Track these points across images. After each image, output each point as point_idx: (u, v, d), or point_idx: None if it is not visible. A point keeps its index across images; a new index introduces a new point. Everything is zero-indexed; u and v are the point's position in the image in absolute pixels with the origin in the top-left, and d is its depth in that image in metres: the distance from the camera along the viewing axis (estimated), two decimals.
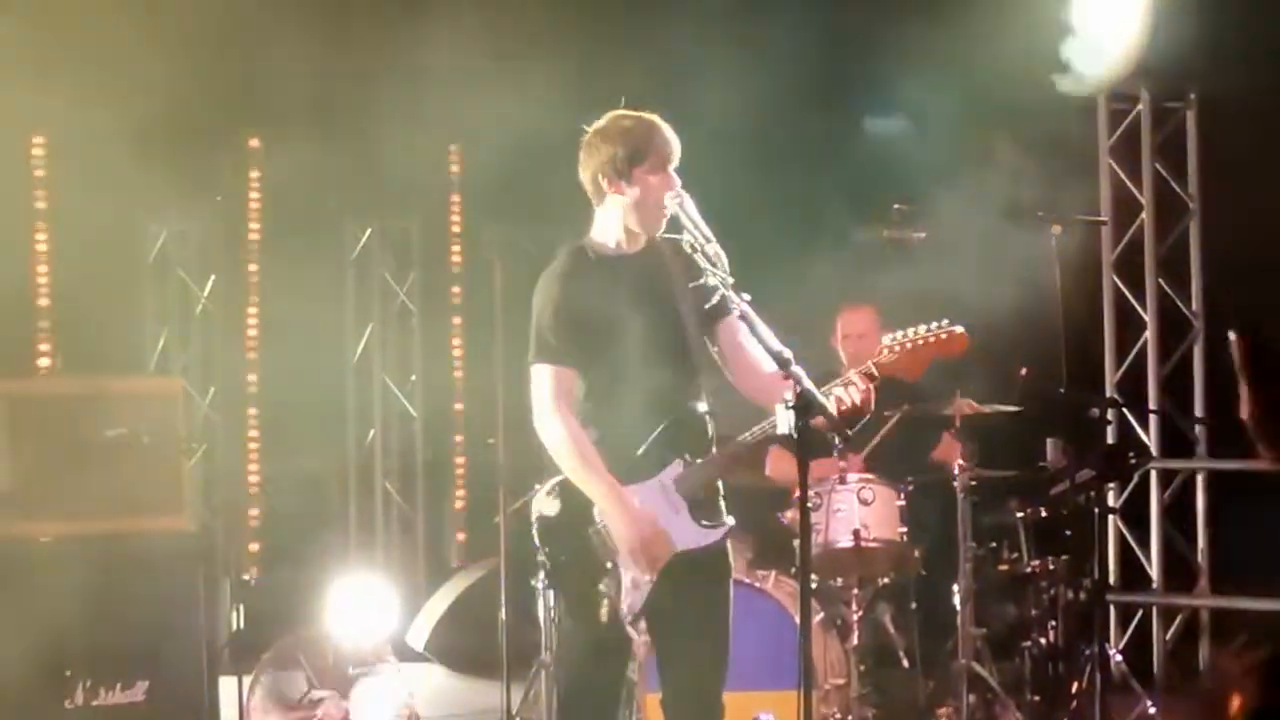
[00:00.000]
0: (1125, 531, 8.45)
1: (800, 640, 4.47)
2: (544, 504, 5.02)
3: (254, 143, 9.34)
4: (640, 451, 4.95)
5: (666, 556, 4.88)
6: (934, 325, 4.73)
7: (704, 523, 4.96)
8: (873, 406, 4.83)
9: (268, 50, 7.99)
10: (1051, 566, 7.07)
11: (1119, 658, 7.58)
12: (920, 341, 4.75)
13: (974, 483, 6.94)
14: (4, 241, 8.43)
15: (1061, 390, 6.85)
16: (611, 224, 5.05)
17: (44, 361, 8.55)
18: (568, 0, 8.50)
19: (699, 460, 4.94)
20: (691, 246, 4.81)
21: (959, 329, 4.71)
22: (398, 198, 9.61)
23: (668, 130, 4.99)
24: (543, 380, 4.99)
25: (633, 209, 4.97)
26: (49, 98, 7.94)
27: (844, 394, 4.80)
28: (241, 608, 7.19)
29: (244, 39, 8.15)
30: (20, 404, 6.23)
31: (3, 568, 6.01)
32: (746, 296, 4.70)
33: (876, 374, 4.79)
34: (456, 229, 10.12)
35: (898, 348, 4.77)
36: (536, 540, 5.03)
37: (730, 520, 5.01)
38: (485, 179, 9.43)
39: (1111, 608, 8.29)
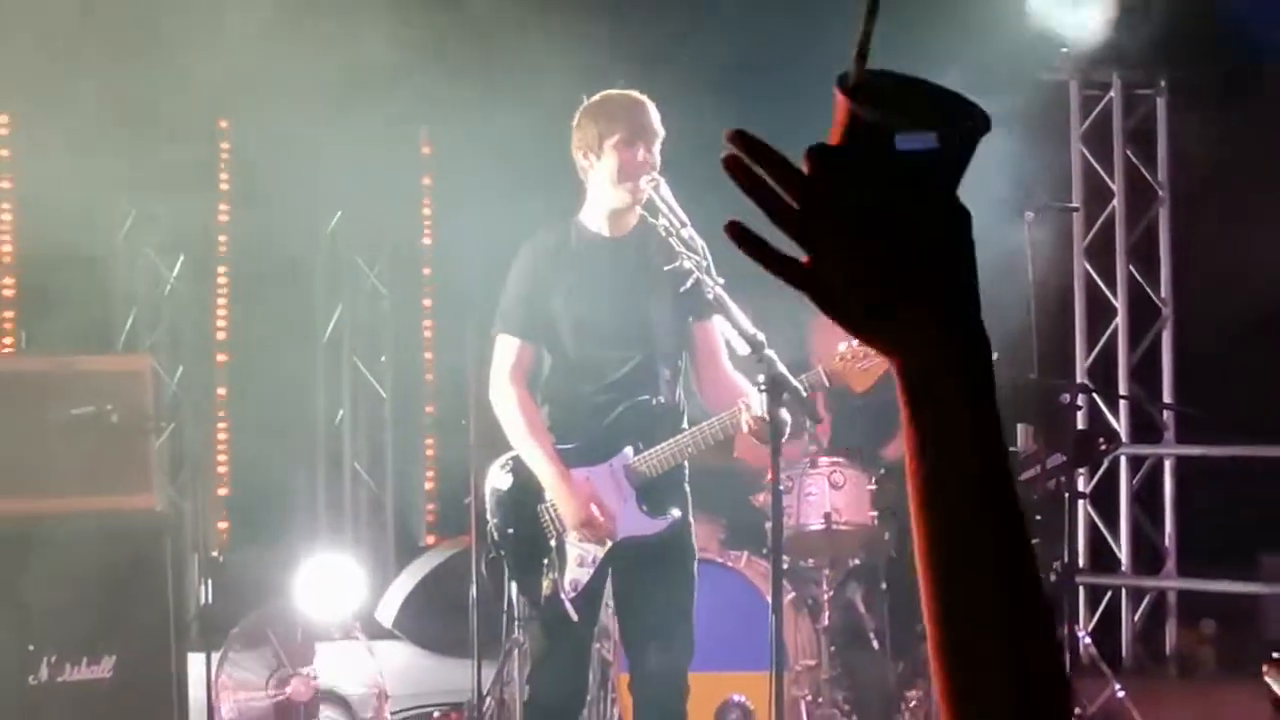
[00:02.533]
0: (1095, 516, 8.50)
1: (771, 621, 4.50)
2: (497, 477, 5.06)
3: (223, 123, 9.29)
4: (593, 434, 4.98)
5: (608, 535, 4.90)
6: None
7: (648, 511, 4.97)
8: (766, 439, 4.83)
9: (238, 31, 7.95)
10: None
11: (1088, 640, 7.62)
12: (872, 352, 4.76)
13: None
14: None
15: (1033, 376, 6.87)
16: (595, 205, 5.08)
17: (9, 340, 8.49)
18: None
19: (652, 449, 4.95)
20: (666, 230, 4.83)
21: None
22: (369, 179, 9.57)
23: (648, 108, 5.01)
24: (504, 352, 5.04)
25: (606, 183, 5.00)
26: (16, 74, 7.90)
27: (748, 416, 4.80)
28: (209, 582, 7.14)
29: (211, 22, 8.10)
30: None
31: None
32: (721, 280, 4.71)
33: (827, 382, 4.81)
34: (427, 210, 10.10)
35: (851, 356, 4.80)
36: (488, 513, 5.07)
37: (677, 513, 5.01)
38: (456, 159, 9.39)
39: (1080, 590, 8.34)
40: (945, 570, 1.38)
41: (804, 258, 1.38)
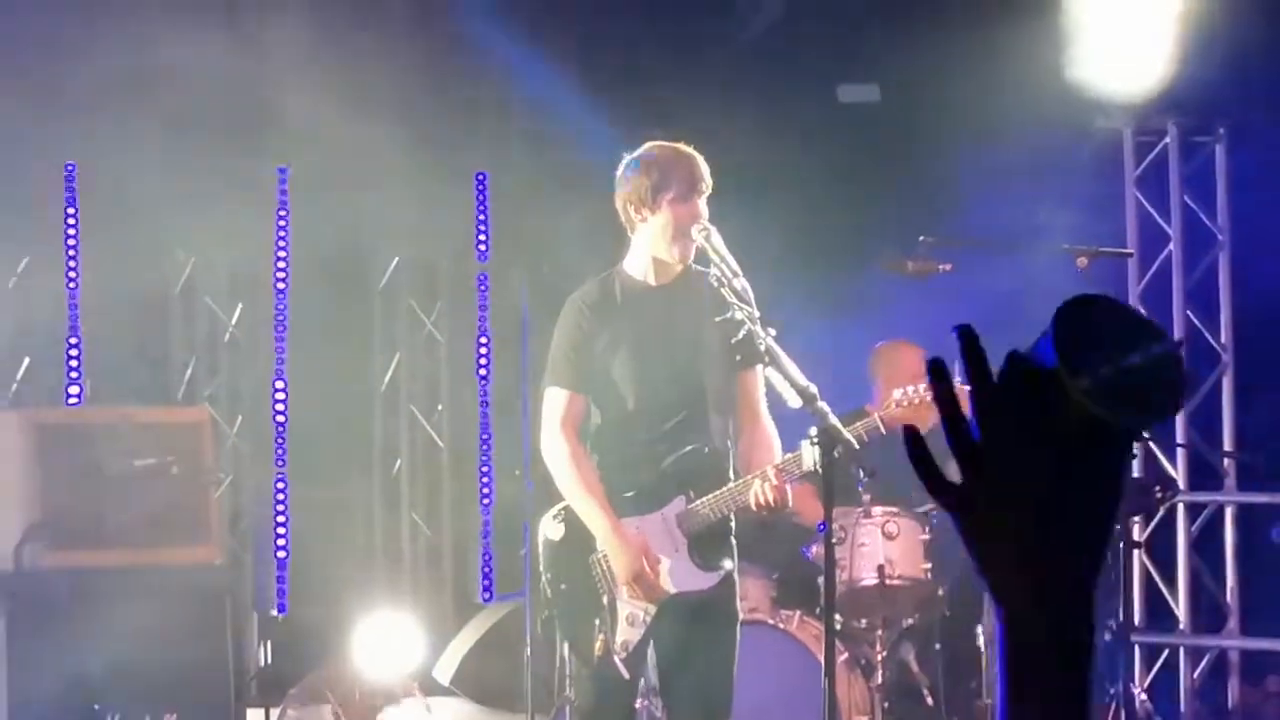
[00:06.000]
0: (1150, 567, 8.41)
1: (825, 680, 4.48)
2: (549, 528, 5.06)
3: (281, 172, 9.37)
4: (644, 484, 4.97)
5: (660, 587, 4.89)
6: None
7: (700, 564, 4.95)
8: (789, 504, 4.81)
9: (295, 79, 8.04)
10: None
11: (1144, 697, 7.52)
12: (929, 398, 4.72)
13: None
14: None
15: None
16: (641, 254, 5.07)
17: (73, 390, 8.56)
18: (600, 35, 8.49)
19: (704, 498, 4.94)
20: (718, 280, 4.83)
21: (967, 388, 4.68)
22: (424, 227, 9.62)
23: (698, 161, 5.02)
24: (553, 404, 5.05)
25: (659, 238, 5.00)
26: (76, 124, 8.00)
27: (760, 490, 4.79)
28: (269, 642, 7.17)
29: (272, 68, 8.19)
30: (50, 433, 6.25)
31: (34, 599, 6.00)
32: (773, 331, 4.71)
33: (883, 429, 4.78)
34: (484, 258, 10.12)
35: (905, 402, 4.78)
36: (541, 565, 5.06)
37: (728, 565, 5.00)
38: (511, 208, 9.44)
39: (1136, 647, 8.23)
40: None
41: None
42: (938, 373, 1.49)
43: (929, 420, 4.70)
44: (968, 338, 1.45)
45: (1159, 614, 8.43)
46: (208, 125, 8.20)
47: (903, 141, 8.49)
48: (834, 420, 4.49)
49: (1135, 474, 7.88)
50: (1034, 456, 1.44)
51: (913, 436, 1.47)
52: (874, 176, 8.50)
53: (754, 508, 4.82)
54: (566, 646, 5.33)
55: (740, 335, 4.79)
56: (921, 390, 4.75)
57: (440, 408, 10.14)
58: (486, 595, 9.82)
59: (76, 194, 8.57)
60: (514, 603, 8.93)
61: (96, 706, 6.04)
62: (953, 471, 1.47)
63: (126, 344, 8.70)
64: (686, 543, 4.95)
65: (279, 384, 9.33)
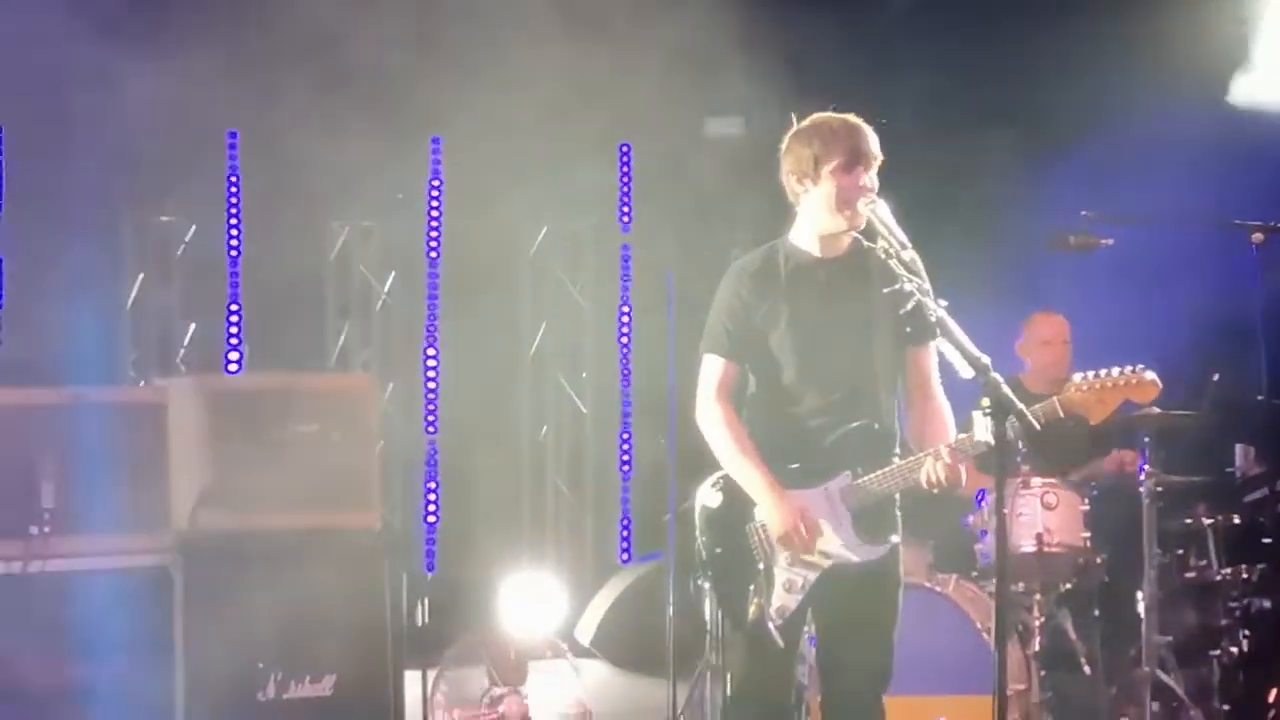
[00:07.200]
0: None
1: (996, 646, 4.45)
2: (707, 495, 5.05)
3: (435, 142, 9.45)
4: (808, 457, 4.94)
5: (807, 551, 4.86)
6: (1127, 369, 4.64)
7: (866, 538, 4.92)
8: (962, 482, 4.76)
9: (450, 48, 8.10)
10: (1245, 575, 6.92)
11: None
12: (1110, 384, 4.65)
13: (1159, 489, 6.81)
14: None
15: (1260, 398, 6.69)
16: (806, 227, 5.05)
17: (233, 356, 8.73)
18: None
19: (871, 474, 4.91)
20: (885, 252, 4.79)
21: (1150, 375, 4.62)
22: (571, 196, 9.67)
23: (865, 131, 4.97)
24: (709, 371, 5.04)
25: (822, 209, 4.96)
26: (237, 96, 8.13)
27: (932, 469, 4.74)
28: (426, 602, 7.27)
29: (427, 37, 8.25)
30: (219, 400, 6.35)
31: (207, 560, 6.12)
32: (944, 303, 4.67)
33: (1061, 412, 4.71)
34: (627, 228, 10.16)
35: (1086, 387, 4.69)
36: (697, 530, 5.06)
37: (895, 539, 4.97)
38: (657, 178, 9.45)
39: None
40: None
41: None
42: None
43: (1110, 405, 4.64)
44: None
45: None
46: (363, 94, 8.27)
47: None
48: (1008, 392, 4.43)
49: None
50: None
51: None
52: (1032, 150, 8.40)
53: (925, 486, 4.78)
54: (721, 612, 5.33)
55: (909, 306, 4.73)
56: (1103, 375, 4.67)
57: (585, 375, 10.20)
58: (625, 557, 9.89)
59: (239, 162, 8.72)
60: (650, 565, 8.99)
61: (260, 665, 6.15)
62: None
63: (282, 312, 8.84)
64: (850, 516, 4.92)
65: (430, 351, 9.43)
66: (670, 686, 7.07)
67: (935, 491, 4.80)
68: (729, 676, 5.30)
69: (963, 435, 4.76)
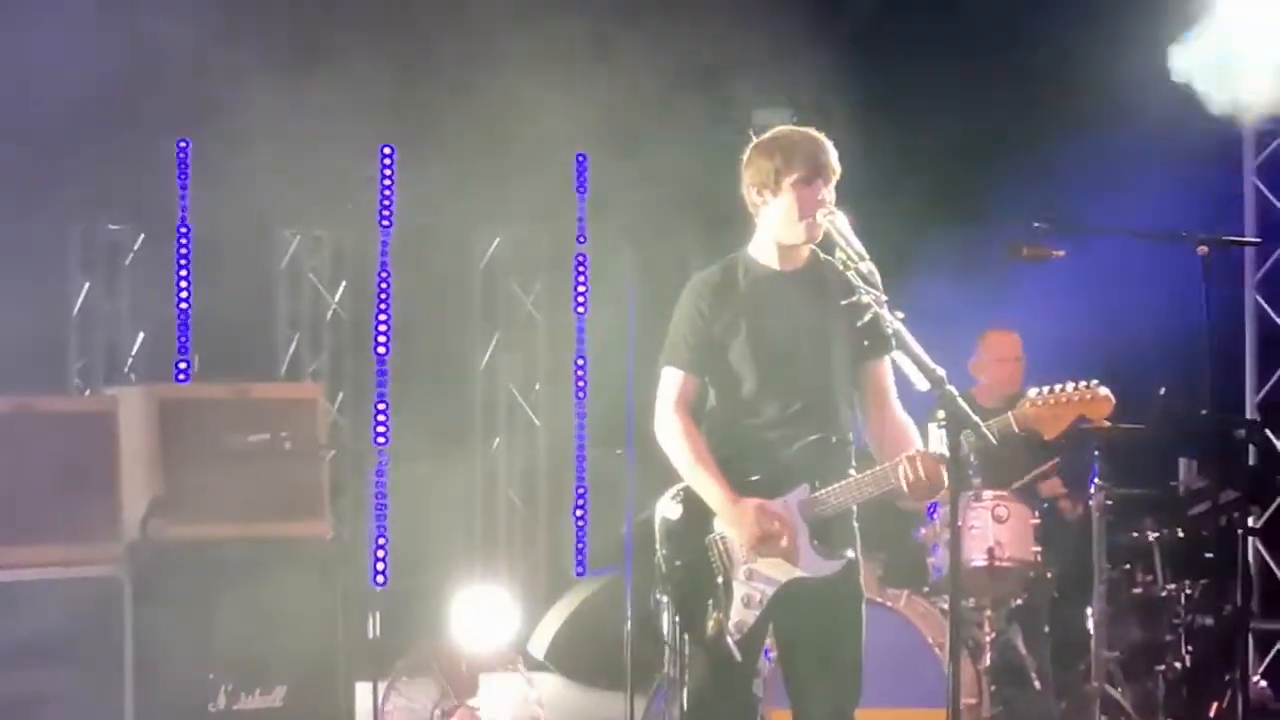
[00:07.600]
0: (1266, 555, 8.35)
1: (950, 661, 4.46)
2: (667, 508, 5.03)
3: (387, 150, 9.42)
4: (766, 470, 4.94)
5: (783, 553, 4.85)
6: (1081, 384, 4.65)
7: (822, 552, 4.92)
8: (945, 482, 4.75)
9: (410, 60, 8.09)
10: (1189, 590, 6.96)
11: (1263, 682, 7.47)
12: (1065, 400, 4.65)
13: (1109, 502, 6.85)
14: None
15: (1204, 412, 6.74)
16: (764, 238, 5.04)
17: (181, 365, 8.67)
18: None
19: (829, 487, 4.91)
20: (844, 264, 4.80)
21: (1104, 391, 4.63)
22: (527, 206, 9.66)
23: (826, 145, 4.97)
24: (669, 384, 5.02)
25: (781, 221, 4.95)
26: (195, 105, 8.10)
27: (908, 469, 4.75)
28: (377, 614, 7.24)
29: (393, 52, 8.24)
30: (169, 409, 6.32)
31: (154, 571, 6.08)
32: (900, 315, 4.68)
33: (1016, 427, 4.72)
34: (583, 239, 10.15)
35: (1041, 403, 4.68)
36: (657, 543, 5.04)
37: (850, 553, 4.96)
38: (614, 189, 9.44)
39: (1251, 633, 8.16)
40: None
41: None
42: None
43: (1064, 420, 4.65)
44: None
45: (1276, 601, 8.36)
46: (316, 102, 8.24)
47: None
48: (964, 405, 4.45)
49: (1251, 462, 7.82)
50: None
51: None
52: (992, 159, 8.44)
53: (905, 486, 4.76)
54: (679, 626, 5.30)
55: (867, 319, 4.73)
56: (1058, 391, 4.68)
57: (538, 387, 10.19)
58: (580, 570, 9.88)
59: (189, 171, 8.67)
60: (607, 578, 8.98)
61: (211, 676, 6.12)
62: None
63: (231, 320, 8.79)
64: (808, 530, 4.92)
65: (380, 360, 9.40)
66: (628, 700, 7.06)
67: (910, 495, 4.78)
68: (686, 691, 5.27)
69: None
